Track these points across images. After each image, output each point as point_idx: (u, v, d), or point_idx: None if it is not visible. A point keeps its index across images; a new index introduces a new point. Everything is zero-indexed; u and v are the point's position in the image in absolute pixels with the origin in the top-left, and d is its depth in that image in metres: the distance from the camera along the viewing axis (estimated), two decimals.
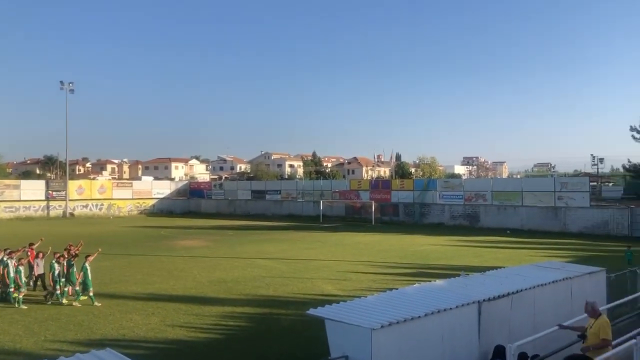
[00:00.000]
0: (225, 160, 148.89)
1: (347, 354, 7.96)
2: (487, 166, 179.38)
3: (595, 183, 65.34)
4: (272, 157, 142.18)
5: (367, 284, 20.42)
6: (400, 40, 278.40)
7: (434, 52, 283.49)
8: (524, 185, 48.90)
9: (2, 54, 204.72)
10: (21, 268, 17.76)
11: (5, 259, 17.92)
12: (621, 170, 57.35)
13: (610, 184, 73.66)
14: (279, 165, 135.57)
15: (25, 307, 16.88)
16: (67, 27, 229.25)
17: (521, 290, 10.34)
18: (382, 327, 7.79)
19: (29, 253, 20.07)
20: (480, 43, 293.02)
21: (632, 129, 44.19)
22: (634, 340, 8.13)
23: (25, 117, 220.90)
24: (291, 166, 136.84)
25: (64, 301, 17.49)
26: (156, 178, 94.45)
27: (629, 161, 46.47)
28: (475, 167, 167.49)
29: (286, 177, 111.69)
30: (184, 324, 15.08)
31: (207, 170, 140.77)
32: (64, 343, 13.07)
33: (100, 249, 20.93)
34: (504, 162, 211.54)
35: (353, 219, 56.08)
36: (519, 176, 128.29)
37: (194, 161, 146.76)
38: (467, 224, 49.19)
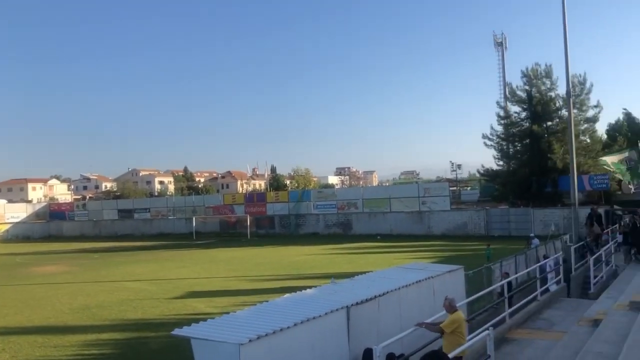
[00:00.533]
0: (89, 179, 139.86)
1: None
2: (359, 175, 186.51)
3: (454, 188, 70.30)
4: (141, 174, 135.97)
5: (241, 299, 20.02)
6: (265, 50, 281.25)
7: (298, 64, 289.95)
8: (392, 193, 51.40)
9: None
10: None
11: None
12: (477, 175, 62.28)
13: (468, 188, 79.69)
14: (148, 182, 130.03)
15: None
16: None
17: (387, 292, 10.63)
18: (250, 341, 7.54)
19: None
20: (345, 51, 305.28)
21: (484, 136, 48.19)
22: (487, 332, 8.66)
23: None
24: (161, 182, 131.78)
25: None
26: (10, 201, 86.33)
27: (483, 166, 50.67)
28: (347, 177, 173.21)
29: (156, 194, 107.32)
30: (39, 358, 13.71)
31: (69, 190, 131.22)
32: None
33: None
34: (374, 171, 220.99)
35: (228, 234, 55.21)
36: (387, 184, 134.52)
37: (54, 181, 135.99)
38: (341, 232, 50.53)
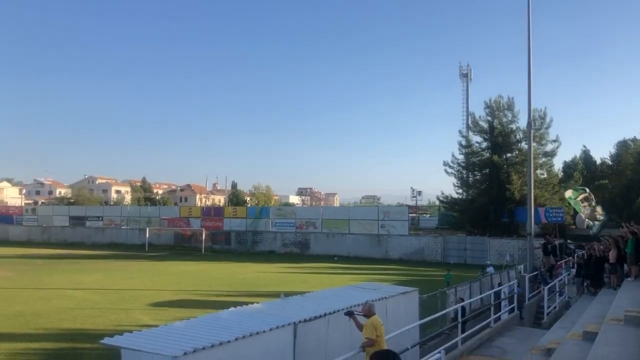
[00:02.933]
0: (42, 184, 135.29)
1: None
2: (320, 197, 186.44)
3: (414, 214, 70.63)
4: (97, 182, 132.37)
5: (187, 313, 19.11)
6: (232, 61, 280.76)
7: (268, 79, 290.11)
8: (351, 214, 51.06)
9: None
10: None
11: None
12: (437, 202, 62.89)
13: (427, 215, 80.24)
14: (105, 191, 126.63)
15: None
16: None
17: (338, 311, 10.16)
18: (185, 354, 6.94)
19: None
20: (315, 73, 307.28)
21: (445, 163, 48.66)
22: (438, 355, 8.28)
23: None
24: (118, 192, 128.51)
25: None
26: None
27: (442, 193, 51.12)
28: (309, 197, 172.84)
29: (112, 203, 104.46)
30: None
31: (20, 194, 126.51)
32: None
33: None
34: (335, 193, 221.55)
35: (182, 248, 53.80)
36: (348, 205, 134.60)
37: (4, 184, 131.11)
38: (298, 251, 49.88)
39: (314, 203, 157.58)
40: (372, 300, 9.88)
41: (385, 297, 11.96)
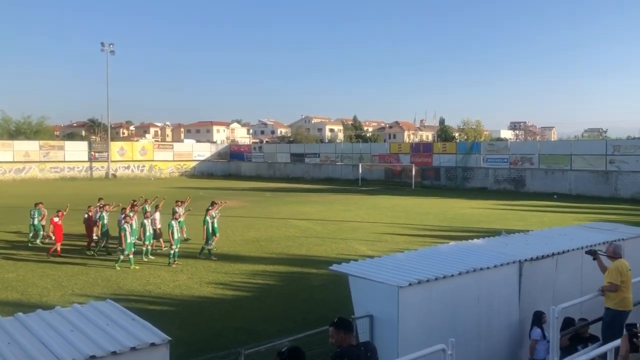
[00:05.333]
0: (266, 124, 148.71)
1: (372, 313, 7.30)
2: (535, 131, 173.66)
3: None
4: (313, 121, 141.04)
5: (403, 245, 19.63)
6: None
7: (480, 15, 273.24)
8: (573, 149, 46.65)
9: (46, 19, 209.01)
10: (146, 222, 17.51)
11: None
12: None
13: None
14: (319, 130, 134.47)
15: (119, 268, 16.09)
16: None
17: (568, 251, 9.41)
18: (410, 284, 7.08)
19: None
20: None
21: None
22: None
23: (73, 81, 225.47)
24: (331, 130, 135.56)
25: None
26: (198, 141, 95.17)
27: None
28: (522, 131, 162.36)
29: (326, 141, 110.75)
30: (212, 282, 14.77)
31: (248, 134, 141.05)
32: (89, 297, 12.88)
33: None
34: (552, 127, 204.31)
35: (392, 183, 55.08)
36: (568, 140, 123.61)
37: (235, 125, 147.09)
38: (512, 188, 47.57)
39: (528, 138, 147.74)
40: (613, 241, 8.95)
41: (622, 239, 10.74)
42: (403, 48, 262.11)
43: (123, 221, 17.05)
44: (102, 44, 63.35)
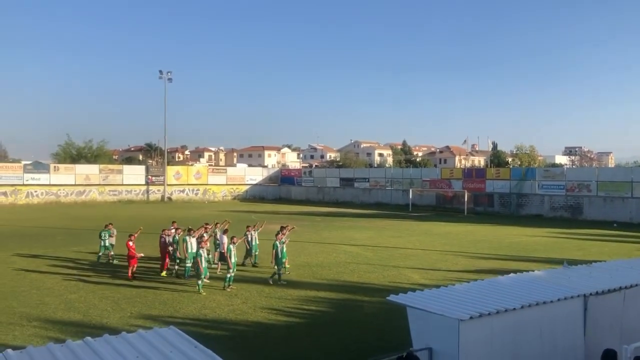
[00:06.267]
0: (315, 149, 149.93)
1: (431, 346, 7.20)
2: (592, 156, 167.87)
3: None
4: (362, 146, 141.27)
5: (457, 275, 19.31)
6: (495, 24, 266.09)
7: (531, 40, 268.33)
8: (634, 175, 44.87)
9: (108, 49, 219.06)
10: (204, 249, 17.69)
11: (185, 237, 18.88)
12: None
13: None
14: (369, 154, 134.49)
15: (204, 293, 16.27)
16: (161, 22, 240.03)
17: (637, 285, 9.02)
18: (471, 318, 6.96)
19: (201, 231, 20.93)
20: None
21: None
22: None
23: (131, 107, 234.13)
24: (380, 155, 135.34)
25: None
26: (250, 165, 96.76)
27: None
28: (578, 157, 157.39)
29: (375, 165, 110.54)
30: (265, 307, 14.88)
31: (298, 158, 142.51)
32: (147, 320, 13.24)
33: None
34: (610, 152, 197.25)
35: (444, 209, 54.27)
36: (627, 166, 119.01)
37: (285, 149, 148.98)
38: (569, 215, 46.06)
39: (584, 163, 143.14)
40: None
41: None
42: (454, 74, 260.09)
43: (197, 245, 17.68)
44: (160, 71, 65.73)
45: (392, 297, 8.09)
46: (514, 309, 7.44)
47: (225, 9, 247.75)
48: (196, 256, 16.93)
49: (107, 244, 21.31)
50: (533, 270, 10.75)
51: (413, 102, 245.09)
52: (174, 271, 19.08)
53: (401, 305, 7.87)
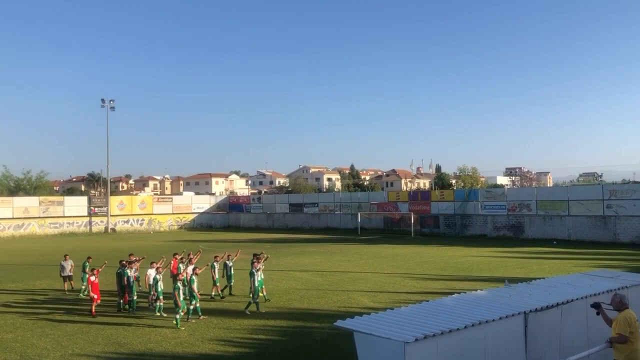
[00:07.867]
0: (264, 175, 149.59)
1: None
2: (531, 176, 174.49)
3: None
4: (310, 171, 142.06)
5: (405, 297, 19.55)
6: (428, 51, 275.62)
7: (466, 63, 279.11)
8: (570, 194, 46.91)
9: (46, 76, 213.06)
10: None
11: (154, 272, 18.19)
12: None
13: None
14: (317, 179, 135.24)
15: (183, 328, 15.66)
16: (102, 48, 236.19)
17: (572, 300, 9.40)
18: (416, 340, 7.06)
19: (172, 262, 20.89)
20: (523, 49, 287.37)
21: None
22: None
23: (72, 137, 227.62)
24: (329, 179, 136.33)
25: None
26: (197, 193, 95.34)
27: None
28: (518, 177, 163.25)
29: (324, 190, 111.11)
30: (213, 338, 14.58)
31: (246, 185, 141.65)
32: (90, 357, 12.73)
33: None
34: (548, 172, 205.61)
35: (391, 231, 55.05)
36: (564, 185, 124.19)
37: (233, 176, 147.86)
38: (511, 235, 47.56)
39: (524, 183, 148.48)
40: (616, 290, 8.97)
41: (626, 287, 10.75)
42: (397, 100, 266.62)
43: (176, 279, 16.99)
44: (103, 100, 64.48)
45: (339, 323, 8.12)
46: (458, 329, 7.60)
47: (171, 36, 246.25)
48: (174, 290, 16.33)
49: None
50: (477, 290, 11.04)
51: (359, 128, 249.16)
52: (122, 304, 18.39)
53: (348, 330, 7.90)
